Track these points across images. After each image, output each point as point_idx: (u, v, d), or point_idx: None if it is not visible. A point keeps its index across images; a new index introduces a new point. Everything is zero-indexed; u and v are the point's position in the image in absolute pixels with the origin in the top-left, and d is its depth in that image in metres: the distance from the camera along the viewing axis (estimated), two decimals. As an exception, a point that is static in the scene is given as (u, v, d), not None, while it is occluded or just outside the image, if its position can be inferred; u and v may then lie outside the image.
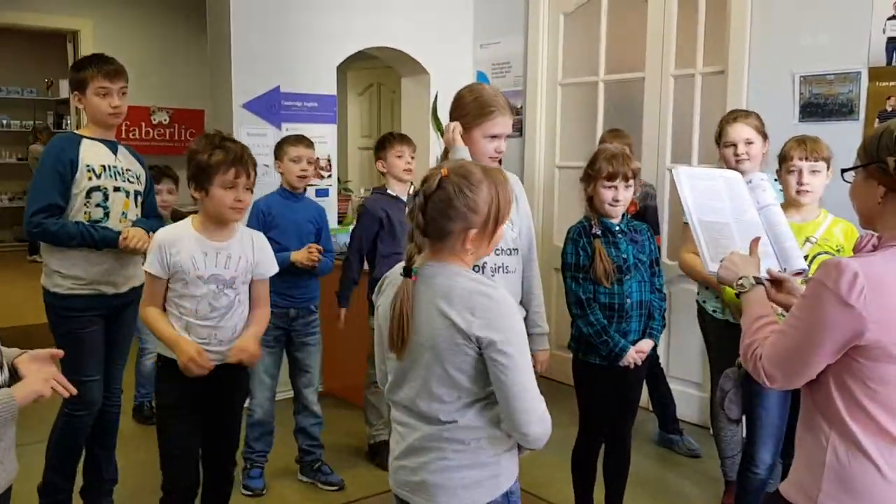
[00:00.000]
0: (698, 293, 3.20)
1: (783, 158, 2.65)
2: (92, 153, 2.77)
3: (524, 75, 4.94)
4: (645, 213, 3.74)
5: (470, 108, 2.42)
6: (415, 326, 1.62)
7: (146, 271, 2.36)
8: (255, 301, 2.49)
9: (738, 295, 1.79)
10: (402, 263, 1.69)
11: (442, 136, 2.52)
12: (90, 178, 2.74)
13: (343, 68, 4.96)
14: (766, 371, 1.54)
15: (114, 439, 3.05)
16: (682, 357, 4.18)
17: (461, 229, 1.62)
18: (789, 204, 2.67)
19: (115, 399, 3.00)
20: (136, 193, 2.90)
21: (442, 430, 1.65)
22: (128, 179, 2.86)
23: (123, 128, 7.00)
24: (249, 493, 3.32)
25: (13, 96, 10.31)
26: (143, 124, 7.25)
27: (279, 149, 3.40)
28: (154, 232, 2.58)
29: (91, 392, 2.80)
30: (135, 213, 2.89)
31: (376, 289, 1.80)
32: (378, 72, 6.73)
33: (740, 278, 1.78)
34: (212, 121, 4.66)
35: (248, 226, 3.31)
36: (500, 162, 4.59)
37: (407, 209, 1.68)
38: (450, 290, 1.60)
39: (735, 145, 2.94)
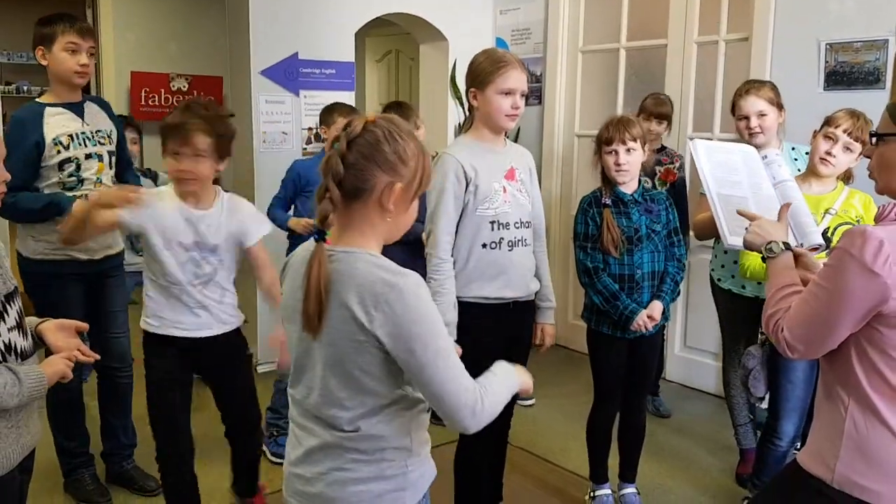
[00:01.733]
0: (710, 262, 3.19)
1: (828, 122, 2.60)
2: (58, 124, 2.71)
3: (544, 42, 4.87)
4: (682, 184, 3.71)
5: (483, 66, 2.41)
6: None
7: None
8: (259, 268, 2.46)
9: (764, 259, 1.74)
10: (305, 245, 1.49)
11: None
12: (59, 152, 2.70)
13: (361, 35, 4.91)
14: (788, 341, 1.53)
15: (127, 408, 3.06)
16: (700, 327, 4.17)
17: (387, 183, 1.39)
18: (809, 172, 2.64)
19: (126, 369, 3.01)
20: (111, 154, 2.86)
21: (343, 438, 1.44)
22: (98, 142, 2.80)
23: (142, 95, 7.00)
24: (280, 460, 3.33)
25: (33, 62, 10.33)
26: (163, 91, 7.22)
27: (329, 115, 3.36)
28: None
29: None
30: (110, 175, 2.85)
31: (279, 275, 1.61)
32: (397, 38, 6.67)
33: (769, 243, 1.73)
34: (230, 88, 4.65)
35: (283, 184, 3.30)
36: (516, 136, 4.55)
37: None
38: (350, 278, 1.36)
39: (748, 118, 2.88)
